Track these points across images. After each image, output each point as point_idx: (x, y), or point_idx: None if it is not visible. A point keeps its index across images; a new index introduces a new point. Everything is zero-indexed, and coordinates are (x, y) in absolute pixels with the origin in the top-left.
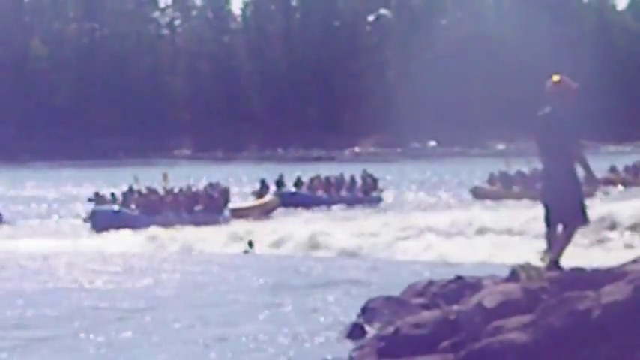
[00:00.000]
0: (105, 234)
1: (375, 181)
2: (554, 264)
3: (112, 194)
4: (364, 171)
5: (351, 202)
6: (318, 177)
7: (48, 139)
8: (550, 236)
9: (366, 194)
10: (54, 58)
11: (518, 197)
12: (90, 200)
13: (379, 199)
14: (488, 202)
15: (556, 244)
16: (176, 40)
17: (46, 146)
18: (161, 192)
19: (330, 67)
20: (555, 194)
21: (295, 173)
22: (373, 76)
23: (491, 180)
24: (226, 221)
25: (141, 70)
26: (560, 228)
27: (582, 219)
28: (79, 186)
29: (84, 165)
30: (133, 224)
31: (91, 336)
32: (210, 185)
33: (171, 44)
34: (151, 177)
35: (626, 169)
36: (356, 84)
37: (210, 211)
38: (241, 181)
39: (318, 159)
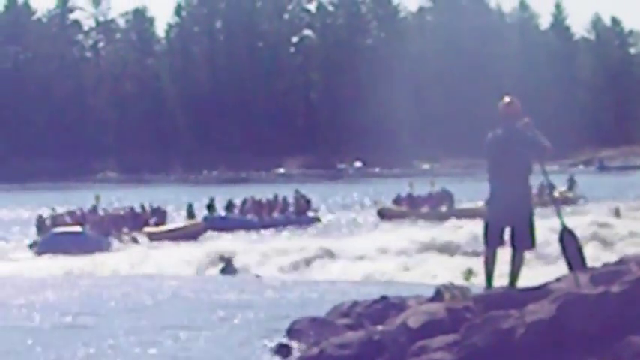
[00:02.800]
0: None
1: (308, 202)
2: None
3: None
4: (296, 192)
5: (284, 224)
6: (252, 199)
7: None
8: (488, 256)
9: (299, 215)
10: None
11: (423, 217)
12: (40, 224)
13: (313, 220)
14: (395, 222)
15: (512, 270)
16: (100, 62)
17: None
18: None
19: (254, 88)
20: (513, 215)
21: (221, 195)
22: (297, 97)
23: (397, 200)
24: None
25: (65, 92)
26: (498, 249)
27: (531, 243)
28: (6, 209)
29: (6, 189)
30: (99, 247)
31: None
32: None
33: (95, 67)
34: (80, 200)
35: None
36: (280, 105)
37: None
38: (167, 204)
39: (243, 180)
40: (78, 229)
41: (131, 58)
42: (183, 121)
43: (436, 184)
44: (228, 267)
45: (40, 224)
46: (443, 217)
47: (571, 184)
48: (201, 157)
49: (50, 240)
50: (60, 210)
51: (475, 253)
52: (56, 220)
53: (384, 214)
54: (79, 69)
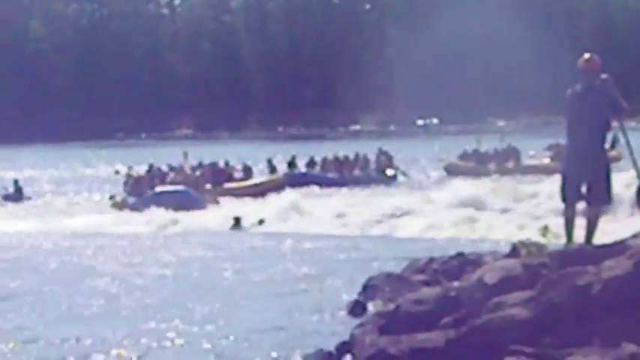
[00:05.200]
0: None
1: (390, 159)
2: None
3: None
4: (379, 149)
5: (365, 182)
6: (334, 156)
7: (48, 121)
8: (568, 213)
9: (380, 173)
10: (53, 40)
11: (490, 173)
12: (129, 181)
13: (394, 178)
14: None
15: (588, 226)
16: (176, 19)
17: (46, 127)
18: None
19: (330, 44)
20: (590, 171)
21: (299, 152)
22: (373, 54)
23: (463, 156)
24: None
25: (141, 49)
26: (578, 205)
27: (608, 199)
28: (88, 166)
29: (85, 145)
30: (198, 205)
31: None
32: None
33: (171, 24)
34: (157, 157)
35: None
36: (356, 61)
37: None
38: (245, 160)
39: (318, 137)
40: (181, 187)
41: (207, 14)
42: (259, 78)
43: (506, 140)
44: (236, 225)
45: (130, 181)
46: (509, 173)
47: (613, 141)
48: (277, 113)
49: (152, 198)
50: (137, 167)
51: (553, 210)
52: (144, 179)
53: (450, 170)
54: (155, 26)
